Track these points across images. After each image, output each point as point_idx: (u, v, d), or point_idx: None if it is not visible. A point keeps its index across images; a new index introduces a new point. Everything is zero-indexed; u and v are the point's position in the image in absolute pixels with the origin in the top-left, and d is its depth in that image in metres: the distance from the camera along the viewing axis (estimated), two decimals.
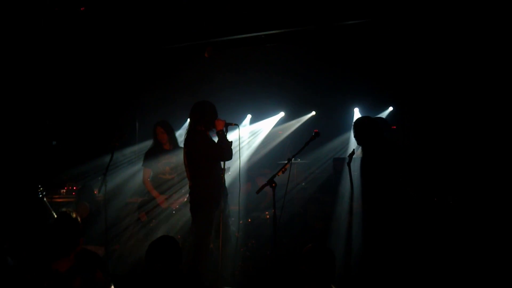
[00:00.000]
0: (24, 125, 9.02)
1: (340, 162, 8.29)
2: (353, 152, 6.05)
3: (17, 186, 8.47)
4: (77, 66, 8.88)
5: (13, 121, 8.85)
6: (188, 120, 6.18)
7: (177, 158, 7.12)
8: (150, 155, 7.37)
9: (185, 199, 7.11)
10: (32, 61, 8.30)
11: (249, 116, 10.84)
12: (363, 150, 6.21)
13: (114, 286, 4.53)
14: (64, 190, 8.60)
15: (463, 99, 8.08)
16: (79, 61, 8.68)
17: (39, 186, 6.87)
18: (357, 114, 9.97)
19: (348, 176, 5.77)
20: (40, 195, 6.85)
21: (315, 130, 5.62)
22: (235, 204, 6.46)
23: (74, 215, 4.39)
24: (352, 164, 5.78)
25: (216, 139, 5.86)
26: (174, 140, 7.42)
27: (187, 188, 6.45)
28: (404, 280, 5.60)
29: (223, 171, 5.91)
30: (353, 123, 6.28)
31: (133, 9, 7.46)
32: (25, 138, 9.02)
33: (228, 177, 6.38)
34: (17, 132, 8.88)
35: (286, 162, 5.47)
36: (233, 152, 5.88)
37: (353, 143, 9.32)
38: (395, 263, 5.72)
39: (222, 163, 5.97)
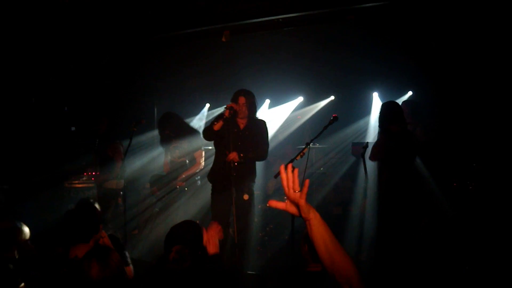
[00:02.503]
0: (43, 112, 9.09)
1: (359, 147, 8.23)
2: (366, 145, 6.19)
3: (37, 172, 8.56)
4: (95, 54, 8.89)
5: (33, 108, 8.92)
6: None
7: (187, 142, 7.24)
8: (164, 140, 7.50)
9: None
10: (51, 50, 8.32)
11: (267, 101, 10.82)
12: (384, 132, 6.20)
13: (134, 270, 4.57)
14: (84, 176, 8.66)
15: (483, 83, 7.97)
16: (98, 49, 8.68)
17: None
18: (376, 98, 9.91)
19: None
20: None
21: (333, 115, 5.60)
22: (256, 189, 6.51)
23: (93, 203, 4.44)
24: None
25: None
26: (178, 127, 7.44)
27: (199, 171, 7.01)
28: (416, 267, 5.57)
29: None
30: (381, 106, 6.29)
31: None
32: (45, 124, 9.09)
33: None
34: (37, 118, 8.95)
35: (304, 146, 5.45)
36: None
37: (372, 128, 9.31)
38: (409, 250, 5.70)
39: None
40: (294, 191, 2.31)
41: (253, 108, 6.23)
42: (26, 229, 4.16)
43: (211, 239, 3.90)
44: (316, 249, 2.40)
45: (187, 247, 3.35)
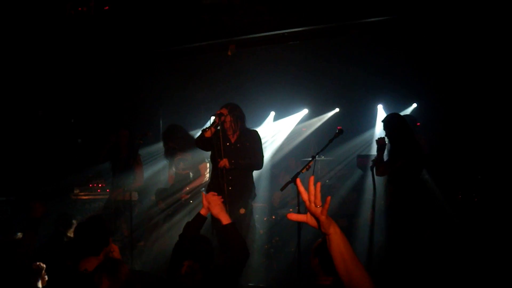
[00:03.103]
0: (50, 124, 9.15)
1: (364, 159, 8.27)
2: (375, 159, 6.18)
3: (44, 184, 8.60)
4: (102, 66, 8.96)
5: (40, 120, 8.98)
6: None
7: (191, 154, 7.26)
8: (168, 153, 7.52)
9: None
10: (58, 61, 8.39)
11: (272, 113, 10.85)
12: (390, 143, 6.22)
13: (140, 283, 4.58)
14: (89, 187, 8.69)
15: (487, 95, 7.99)
16: (104, 61, 8.75)
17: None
18: (380, 110, 9.93)
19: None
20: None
21: (338, 127, 5.63)
22: (262, 202, 6.50)
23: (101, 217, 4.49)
24: None
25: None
26: (183, 140, 7.47)
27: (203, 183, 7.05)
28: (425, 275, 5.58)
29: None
30: (383, 120, 6.32)
31: (154, 8, 7.51)
32: (51, 136, 9.15)
33: (254, 174, 6.40)
34: (44, 130, 9.01)
35: (310, 159, 5.48)
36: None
37: None
38: (418, 259, 5.71)
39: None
40: (316, 206, 2.25)
41: (242, 121, 6.22)
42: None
43: (211, 200, 3.94)
44: (334, 264, 2.39)
45: (198, 262, 3.37)
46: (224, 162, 5.89)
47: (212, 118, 5.98)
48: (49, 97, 9.05)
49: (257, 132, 6.38)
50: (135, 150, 7.48)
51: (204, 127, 6.12)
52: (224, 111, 6.02)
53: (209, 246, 3.65)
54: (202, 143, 6.16)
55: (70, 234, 6.23)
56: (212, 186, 6.16)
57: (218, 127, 5.90)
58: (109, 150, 8.03)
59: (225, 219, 3.89)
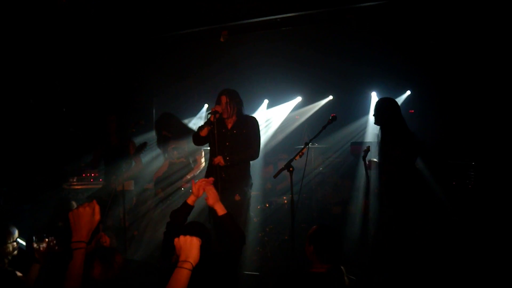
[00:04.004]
0: (41, 113, 9.07)
1: (357, 147, 8.24)
2: (368, 149, 6.21)
3: (36, 174, 8.55)
4: (94, 54, 8.89)
5: (31, 109, 8.90)
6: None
7: (186, 143, 7.23)
8: (161, 141, 7.49)
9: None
10: (50, 49, 8.32)
11: (266, 101, 10.82)
12: (381, 131, 6.14)
13: (132, 271, 4.56)
14: (82, 177, 8.64)
15: (481, 81, 7.97)
16: (96, 49, 8.69)
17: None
18: (374, 98, 9.91)
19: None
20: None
21: (332, 114, 5.59)
22: (255, 190, 6.47)
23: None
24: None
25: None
26: (176, 128, 7.42)
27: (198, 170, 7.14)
28: (418, 266, 5.57)
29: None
30: (376, 103, 6.21)
31: None
32: (43, 125, 9.08)
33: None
34: (35, 119, 8.94)
35: (303, 146, 5.44)
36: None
37: (371, 128, 9.32)
38: (411, 249, 5.70)
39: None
40: None
41: (238, 106, 6.13)
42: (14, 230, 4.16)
43: (207, 190, 3.93)
44: None
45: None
46: (219, 159, 5.86)
47: (206, 113, 5.98)
48: (40, 86, 8.97)
49: (255, 118, 6.31)
50: (128, 138, 7.42)
51: (200, 125, 6.13)
52: (219, 108, 5.96)
53: (204, 233, 3.60)
54: (199, 140, 6.15)
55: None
56: (207, 175, 6.15)
57: (213, 126, 5.87)
58: (99, 143, 7.97)
59: (220, 210, 3.88)
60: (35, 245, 4.08)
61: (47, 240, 4.13)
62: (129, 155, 7.29)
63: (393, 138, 5.94)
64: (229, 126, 6.15)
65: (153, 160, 8.40)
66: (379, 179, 6.19)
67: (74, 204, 6.25)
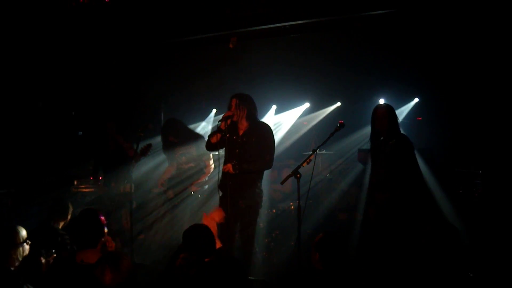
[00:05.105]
0: (50, 116, 9.14)
1: (365, 153, 8.22)
2: None
3: (44, 176, 8.60)
4: (103, 58, 8.94)
5: (40, 112, 8.97)
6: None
7: (194, 148, 7.28)
8: (167, 147, 7.50)
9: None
10: (59, 53, 8.38)
11: (274, 107, 10.82)
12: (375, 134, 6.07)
13: (140, 275, 4.59)
14: (90, 180, 8.66)
15: (489, 89, 7.96)
16: (105, 53, 8.74)
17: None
18: None
19: None
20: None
21: (340, 121, 5.55)
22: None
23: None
24: None
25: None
26: (182, 134, 7.43)
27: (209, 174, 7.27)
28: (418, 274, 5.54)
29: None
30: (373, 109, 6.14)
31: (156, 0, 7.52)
32: (52, 128, 9.14)
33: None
34: (44, 122, 9.00)
35: (310, 153, 5.43)
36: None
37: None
38: (412, 256, 5.67)
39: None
40: None
41: (248, 108, 5.90)
42: (23, 232, 4.17)
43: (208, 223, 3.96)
44: None
45: (195, 254, 3.35)
46: (228, 167, 5.79)
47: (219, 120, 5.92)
48: (49, 89, 9.03)
49: (268, 126, 6.08)
50: (136, 142, 7.43)
51: (212, 132, 6.15)
52: (229, 112, 5.83)
53: (210, 239, 3.64)
54: (210, 146, 6.12)
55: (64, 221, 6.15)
56: (219, 183, 6.03)
57: (224, 133, 5.81)
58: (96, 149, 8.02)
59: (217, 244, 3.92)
60: (43, 260, 4.14)
61: (55, 255, 4.19)
62: (128, 160, 7.27)
63: (389, 143, 5.83)
64: (240, 133, 5.94)
65: (159, 165, 8.44)
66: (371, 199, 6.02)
67: (70, 205, 6.26)
